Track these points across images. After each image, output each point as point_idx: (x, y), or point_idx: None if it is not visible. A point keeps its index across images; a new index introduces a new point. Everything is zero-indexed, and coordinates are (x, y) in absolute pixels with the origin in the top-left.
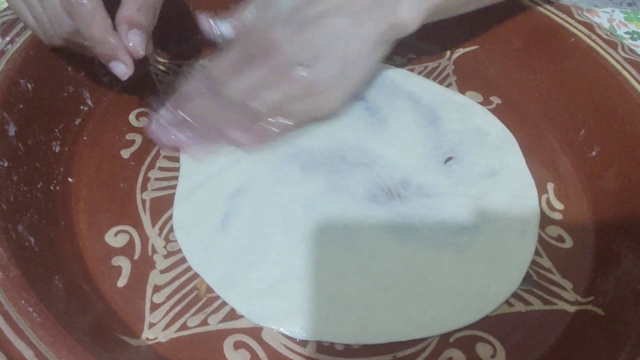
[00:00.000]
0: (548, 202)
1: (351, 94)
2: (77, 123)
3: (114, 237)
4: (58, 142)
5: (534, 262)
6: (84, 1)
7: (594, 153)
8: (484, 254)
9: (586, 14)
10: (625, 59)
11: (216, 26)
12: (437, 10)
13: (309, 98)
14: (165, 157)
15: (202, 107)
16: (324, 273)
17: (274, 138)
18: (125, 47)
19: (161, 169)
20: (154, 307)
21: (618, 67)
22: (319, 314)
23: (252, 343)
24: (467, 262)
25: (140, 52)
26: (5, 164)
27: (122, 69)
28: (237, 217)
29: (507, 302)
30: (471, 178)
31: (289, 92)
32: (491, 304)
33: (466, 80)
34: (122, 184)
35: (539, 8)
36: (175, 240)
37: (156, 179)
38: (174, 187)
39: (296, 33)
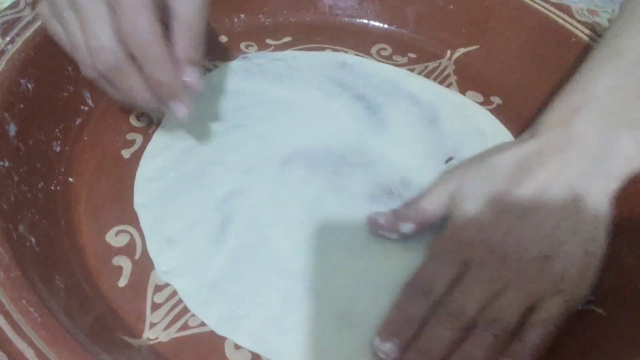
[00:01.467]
0: None
1: (601, 262)
2: (77, 123)
3: (115, 237)
4: (59, 142)
5: None
6: (154, 43)
7: None
8: None
9: (587, 13)
10: None
11: (399, 227)
12: None
13: (563, 293)
14: None
15: (447, 337)
16: (327, 295)
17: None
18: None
19: None
20: (155, 306)
21: None
22: (324, 342)
23: None
24: None
25: (199, 87)
26: (6, 164)
27: (182, 109)
28: (235, 221)
29: None
30: None
31: (537, 292)
32: None
33: (466, 80)
34: (122, 184)
35: (540, 8)
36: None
37: None
38: None
39: (519, 221)
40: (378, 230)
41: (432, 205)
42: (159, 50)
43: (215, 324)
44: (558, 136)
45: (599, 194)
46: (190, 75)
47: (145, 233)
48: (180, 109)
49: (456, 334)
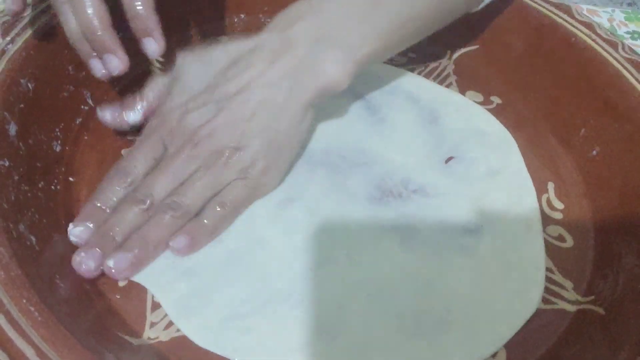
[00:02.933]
0: (548, 201)
1: (291, 163)
2: (77, 122)
3: None
4: (59, 142)
5: None
6: None
7: (594, 152)
8: (496, 259)
9: (586, 13)
10: (625, 58)
11: (124, 116)
12: (368, 60)
13: (248, 180)
14: None
15: (131, 220)
16: (326, 300)
17: (213, 235)
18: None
19: None
20: (155, 306)
21: (618, 66)
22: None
23: None
24: (480, 270)
25: (159, 52)
26: (6, 164)
27: (117, 63)
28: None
29: None
30: (472, 178)
31: (223, 179)
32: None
33: (466, 80)
34: None
35: (540, 8)
36: None
37: None
38: None
39: (217, 115)
40: (108, 124)
41: (153, 92)
42: None
43: (197, 331)
44: (274, 38)
45: (293, 100)
46: (149, 46)
47: None
48: (114, 63)
49: (141, 217)
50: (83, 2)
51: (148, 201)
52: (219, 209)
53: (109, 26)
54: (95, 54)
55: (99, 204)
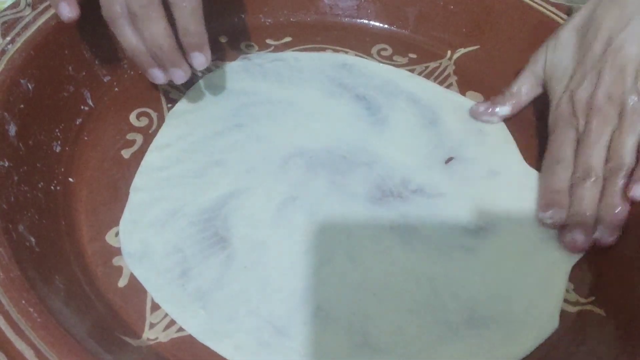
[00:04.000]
0: None
1: None
2: (77, 123)
3: (115, 237)
4: (59, 142)
5: None
6: None
7: None
8: (505, 261)
9: None
10: None
11: (496, 109)
12: None
13: None
14: None
15: (589, 196)
16: (335, 301)
17: None
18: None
19: None
20: (155, 307)
21: None
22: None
23: None
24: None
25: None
26: (6, 164)
27: (181, 74)
28: (234, 221)
29: None
30: (472, 178)
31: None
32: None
33: (467, 80)
34: (122, 184)
35: (540, 8)
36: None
37: None
38: None
39: (600, 78)
40: (479, 116)
41: (521, 88)
42: (193, 0)
43: (200, 331)
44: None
45: None
46: (197, 60)
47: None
48: (179, 75)
49: (593, 189)
50: (150, 21)
51: (592, 174)
52: None
53: (175, 43)
54: (155, 63)
55: (552, 190)
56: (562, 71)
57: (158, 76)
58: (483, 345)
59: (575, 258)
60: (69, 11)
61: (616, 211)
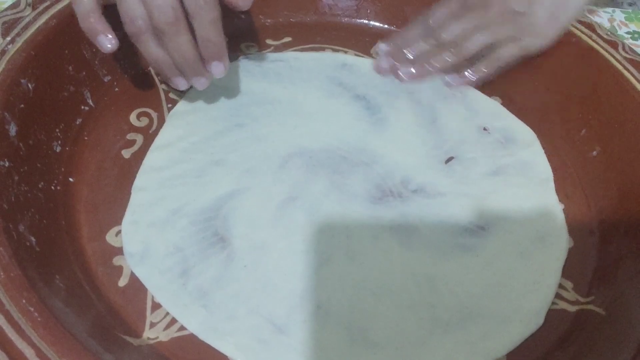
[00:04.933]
0: None
1: (559, 34)
2: (78, 123)
3: (115, 237)
4: (59, 142)
5: None
6: (211, 4)
7: (594, 153)
8: (503, 260)
9: (587, 14)
10: (626, 58)
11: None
12: None
13: (519, 41)
14: None
15: (421, 47)
16: (334, 300)
17: (478, 81)
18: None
19: None
20: (155, 306)
21: (619, 66)
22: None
23: None
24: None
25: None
26: (7, 164)
27: (204, 82)
28: (233, 221)
29: None
30: (472, 178)
31: (500, 35)
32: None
33: None
34: (122, 184)
35: None
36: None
37: None
38: None
39: None
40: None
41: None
42: (213, 12)
43: (202, 329)
44: None
45: None
46: (217, 69)
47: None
48: (202, 82)
49: (433, 48)
50: (177, 36)
51: (439, 39)
52: (490, 60)
53: (198, 54)
54: (179, 72)
55: (404, 35)
56: None
57: (181, 83)
58: (468, 339)
59: (564, 256)
60: (109, 42)
61: (426, 70)
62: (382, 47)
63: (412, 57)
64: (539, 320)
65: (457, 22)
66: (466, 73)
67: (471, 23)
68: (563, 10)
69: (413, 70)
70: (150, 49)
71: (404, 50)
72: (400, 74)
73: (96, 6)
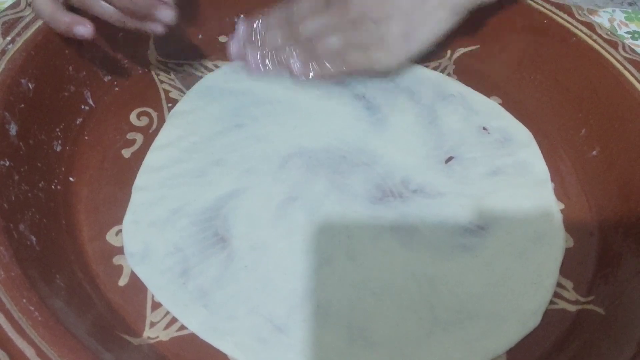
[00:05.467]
0: None
1: (410, 58)
2: (78, 122)
3: (115, 236)
4: (59, 142)
5: None
6: None
7: (594, 153)
8: (502, 260)
9: (587, 13)
10: (626, 58)
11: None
12: None
13: (369, 51)
14: None
15: (275, 37)
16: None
17: (326, 78)
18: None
19: None
20: (155, 306)
21: (619, 66)
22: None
23: None
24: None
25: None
26: (7, 164)
27: (169, 13)
28: (233, 221)
29: None
30: (472, 178)
31: (352, 41)
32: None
33: (466, 79)
34: (123, 184)
35: (540, 8)
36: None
37: None
38: None
39: None
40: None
41: None
42: None
43: (202, 328)
44: None
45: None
46: (164, 14)
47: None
48: (167, 13)
49: (285, 40)
50: None
51: (294, 31)
52: (336, 59)
53: None
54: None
55: (263, 21)
56: None
57: (157, 28)
58: (466, 339)
59: (561, 257)
60: (86, 28)
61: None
62: (241, 28)
63: (261, 48)
64: (537, 320)
65: (317, 17)
66: (310, 65)
67: (329, 22)
68: (415, 34)
69: (260, 64)
70: (102, 9)
71: (258, 38)
72: (249, 62)
73: (56, 5)
